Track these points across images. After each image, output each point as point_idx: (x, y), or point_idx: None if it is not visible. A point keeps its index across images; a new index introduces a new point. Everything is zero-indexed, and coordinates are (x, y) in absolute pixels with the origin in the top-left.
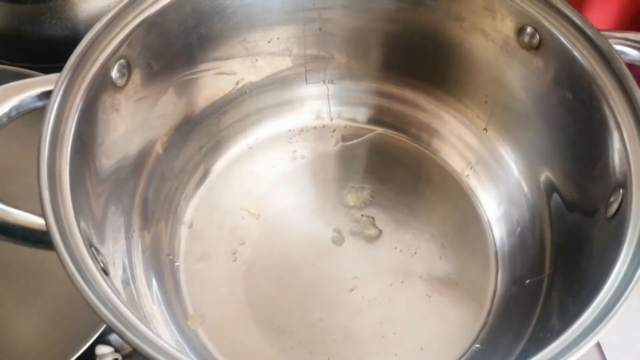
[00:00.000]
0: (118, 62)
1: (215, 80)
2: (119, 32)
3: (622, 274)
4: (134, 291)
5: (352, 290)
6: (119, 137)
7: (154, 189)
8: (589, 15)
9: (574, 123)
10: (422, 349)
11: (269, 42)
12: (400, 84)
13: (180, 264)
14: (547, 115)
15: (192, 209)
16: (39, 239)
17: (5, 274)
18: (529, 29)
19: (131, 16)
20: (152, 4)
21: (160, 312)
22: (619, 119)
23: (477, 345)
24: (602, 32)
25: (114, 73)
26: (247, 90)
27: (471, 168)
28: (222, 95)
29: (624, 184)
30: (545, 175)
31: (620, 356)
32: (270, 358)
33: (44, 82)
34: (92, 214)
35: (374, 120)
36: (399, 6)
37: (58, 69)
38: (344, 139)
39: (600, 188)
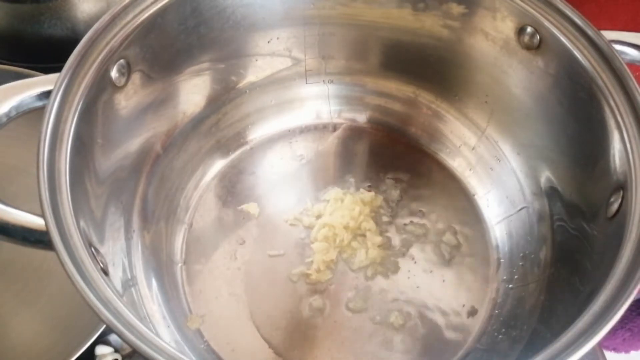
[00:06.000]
0: (118, 62)
1: (214, 80)
2: (118, 32)
3: (622, 274)
4: (133, 291)
5: (353, 289)
6: (118, 137)
7: (154, 189)
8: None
9: (574, 123)
10: (423, 348)
11: (268, 42)
12: (400, 83)
13: (180, 264)
14: (547, 115)
15: (192, 209)
16: (39, 239)
17: (5, 274)
18: (529, 29)
19: (131, 16)
20: (151, 4)
21: (160, 312)
22: (619, 119)
23: (477, 346)
24: (602, 32)
25: (114, 73)
26: (247, 90)
27: (471, 168)
28: (221, 95)
29: (624, 184)
30: (545, 175)
31: (621, 357)
32: (270, 358)
33: (43, 82)
34: (91, 214)
35: (374, 120)
36: (399, 6)
37: (58, 69)
38: (344, 139)
39: (600, 188)
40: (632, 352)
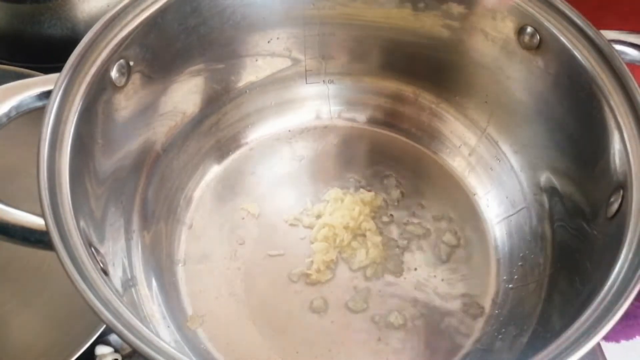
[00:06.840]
0: (118, 62)
1: (214, 80)
2: (118, 32)
3: (622, 274)
4: (133, 291)
5: (353, 289)
6: (118, 137)
7: (153, 189)
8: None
9: (574, 123)
10: (423, 348)
11: (268, 42)
12: (400, 83)
13: (180, 264)
14: (547, 115)
15: (192, 209)
16: (39, 239)
17: (5, 274)
18: (529, 29)
19: (131, 16)
20: (152, 3)
21: (159, 312)
22: (619, 119)
23: (477, 346)
24: (602, 32)
25: (114, 73)
26: (247, 90)
27: (471, 168)
28: (221, 95)
29: (624, 184)
30: (545, 175)
31: (621, 356)
32: (270, 358)
33: (43, 82)
34: (91, 214)
35: (374, 120)
36: (399, 6)
37: (58, 69)
38: (344, 139)
39: (600, 188)
40: (623, 341)
